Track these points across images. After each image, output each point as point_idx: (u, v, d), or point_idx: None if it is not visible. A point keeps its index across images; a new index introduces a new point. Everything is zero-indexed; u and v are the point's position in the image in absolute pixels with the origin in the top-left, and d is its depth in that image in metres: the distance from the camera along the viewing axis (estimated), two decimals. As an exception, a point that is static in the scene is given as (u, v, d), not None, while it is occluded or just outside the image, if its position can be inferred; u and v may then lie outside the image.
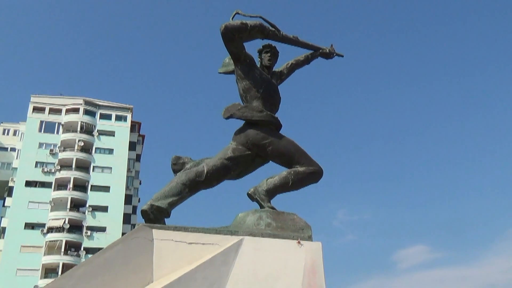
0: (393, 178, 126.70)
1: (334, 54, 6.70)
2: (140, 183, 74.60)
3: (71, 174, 64.14)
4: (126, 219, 65.16)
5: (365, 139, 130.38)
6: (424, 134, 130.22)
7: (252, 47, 5.98)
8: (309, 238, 5.17)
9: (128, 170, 68.60)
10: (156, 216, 5.03)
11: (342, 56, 6.75)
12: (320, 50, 6.59)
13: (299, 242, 5.05)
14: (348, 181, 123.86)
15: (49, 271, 58.28)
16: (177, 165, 5.52)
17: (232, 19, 5.65)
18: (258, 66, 5.97)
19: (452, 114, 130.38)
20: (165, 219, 5.12)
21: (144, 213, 5.03)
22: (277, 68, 6.33)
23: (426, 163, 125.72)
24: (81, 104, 68.64)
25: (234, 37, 5.51)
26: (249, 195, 5.62)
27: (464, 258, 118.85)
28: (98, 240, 60.37)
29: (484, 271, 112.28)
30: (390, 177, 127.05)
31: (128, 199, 67.15)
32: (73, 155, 65.26)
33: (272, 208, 5.41)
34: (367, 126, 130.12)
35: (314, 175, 5.70)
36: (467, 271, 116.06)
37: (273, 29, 5.89)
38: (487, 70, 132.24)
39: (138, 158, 73.98)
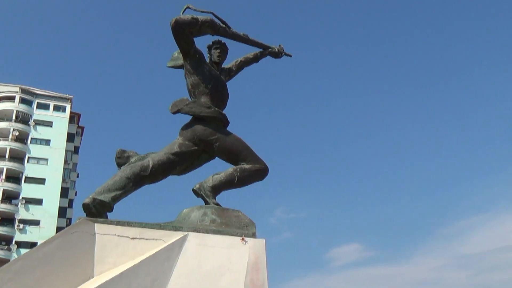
0: (330, 179, 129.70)
1: (283, 53, 6.81)
2: (77, 176, 72.53)
3: (4, 165, 61.48)
4: (62, 212, 63.20)
5: (303, 139, 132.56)
6: (359, 136, 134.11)
7: (202, 43, 5.97)
8: (253, 235, 5.22)
9: (65, 162, 66.52)
10: (99, 210, 4.92)
11: (291, 56, 6.87)
12: (269, 49, 6.68)
13: (243, 239, 5.09)
14: (287, 180, 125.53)
15: (-24, 266, 55.78)
16: (122, 159, 5.41)
17: (183, 13, 5.63)
18: (208, 61, 5.97)
19: (384, 116, 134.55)
20: (108, 214, 5.02)
21: (85, 206, 4.90)
22: (226, 64, 6.36)
23: (360, 164, 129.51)
24: (17, 92, 65.82)
25: (184, 32, 5.49)
26: (194, 191, 5.61)
27: (395, 256, 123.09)
28: (31, 234, 58.39)
29: (413, 270, 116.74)
30: (327, 177, 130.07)
31: (64, 192, 65.15)
32: (7, 144, 62.54)
33: (217, 204, 5.43)
34: (305, 127, 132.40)
35: (259, 172, 5.76)
36: (398, 269, 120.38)
37: (224, 25, 5.91)
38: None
39: (76, 150, 71.89)
